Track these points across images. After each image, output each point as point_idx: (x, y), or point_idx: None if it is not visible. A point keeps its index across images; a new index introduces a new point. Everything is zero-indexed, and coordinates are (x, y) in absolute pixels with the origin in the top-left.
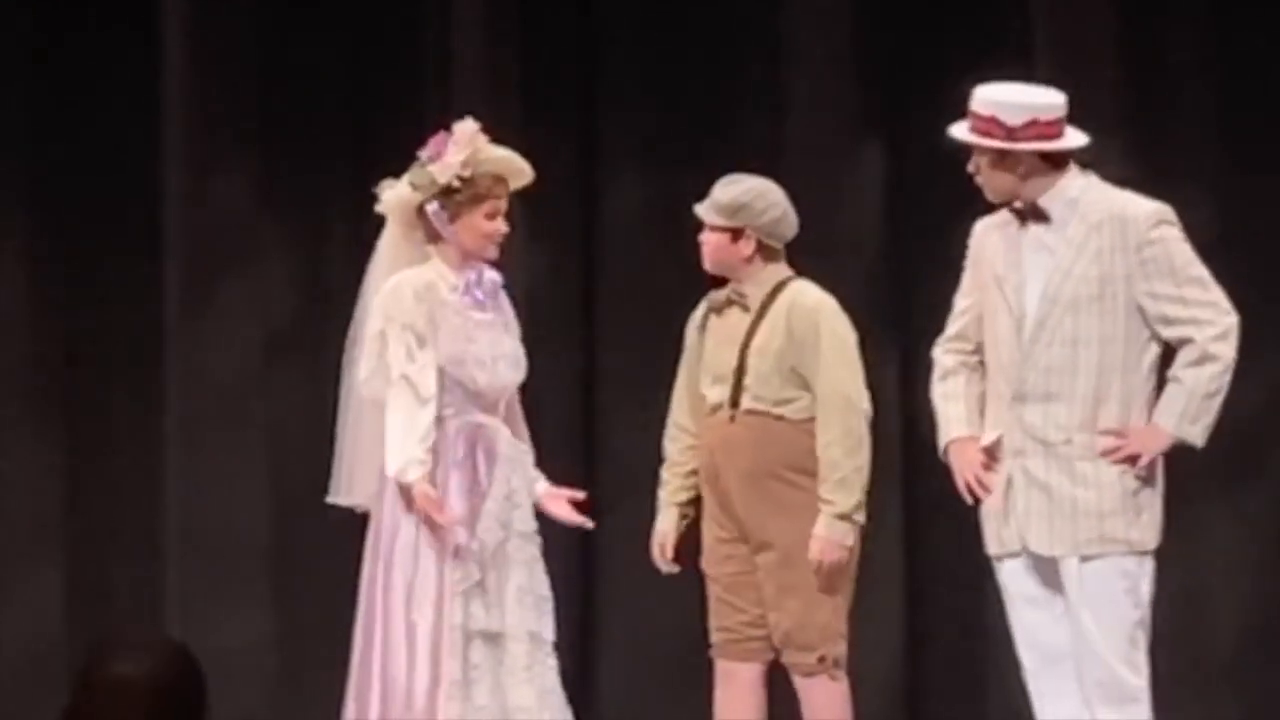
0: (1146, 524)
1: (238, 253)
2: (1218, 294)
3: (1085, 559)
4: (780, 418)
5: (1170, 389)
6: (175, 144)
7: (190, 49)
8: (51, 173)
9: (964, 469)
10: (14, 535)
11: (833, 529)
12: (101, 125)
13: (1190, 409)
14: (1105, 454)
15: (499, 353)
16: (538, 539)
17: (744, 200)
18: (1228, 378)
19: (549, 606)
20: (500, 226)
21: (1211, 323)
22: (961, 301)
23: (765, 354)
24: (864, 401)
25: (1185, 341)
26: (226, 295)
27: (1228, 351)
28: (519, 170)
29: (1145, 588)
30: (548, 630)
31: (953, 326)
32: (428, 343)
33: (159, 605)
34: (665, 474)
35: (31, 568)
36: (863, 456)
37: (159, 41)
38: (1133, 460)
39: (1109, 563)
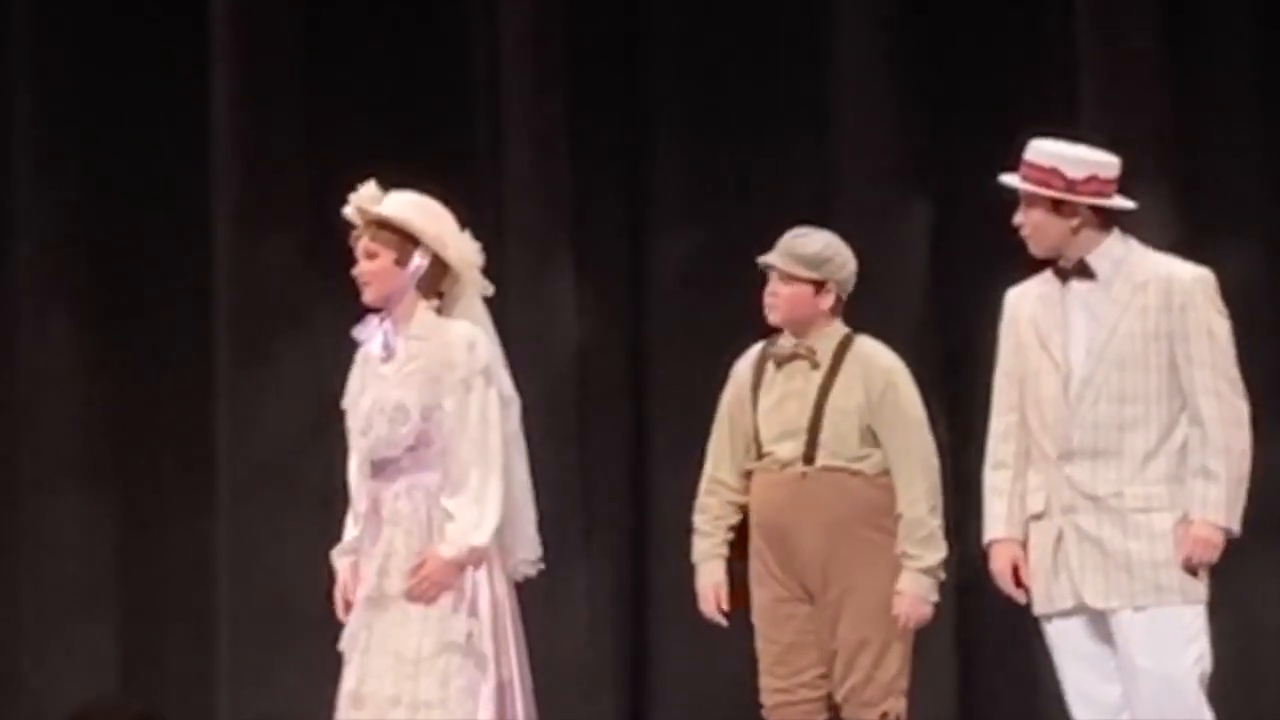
0: (1200, 574)
1: (288, 313)
2: (1238, 374)
3: (1139, 609)
4: (857, 473)
5: (1207, 484)
6: (225, 205)
7: (241, 108)
8: (101, 237)
9: (998, 574)
10: (67, 601)
11: (919, 584)
12: (151, 186)
13: (1233, 499)
14: (1187, 568)
15: (377, 410)
16: (434, 603)
17: (828, 254)
18: (1248, 463)
19: (460, 680)
20: (357, 270)
21: (1230, 403)
22: (1003, 364)
23: (846, 412)
24: (937, 459)
25: (1200, 418)
26: (277, 356)
27: (1248, 437)
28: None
29: (1204, 640)
30: (436, 692)
31: (1001, 397)
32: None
33: (212, 670)
34: (707, 527)
35: (85, 634)
36: (940, 514)
37: (208, 101)
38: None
39: (1165, 612)
